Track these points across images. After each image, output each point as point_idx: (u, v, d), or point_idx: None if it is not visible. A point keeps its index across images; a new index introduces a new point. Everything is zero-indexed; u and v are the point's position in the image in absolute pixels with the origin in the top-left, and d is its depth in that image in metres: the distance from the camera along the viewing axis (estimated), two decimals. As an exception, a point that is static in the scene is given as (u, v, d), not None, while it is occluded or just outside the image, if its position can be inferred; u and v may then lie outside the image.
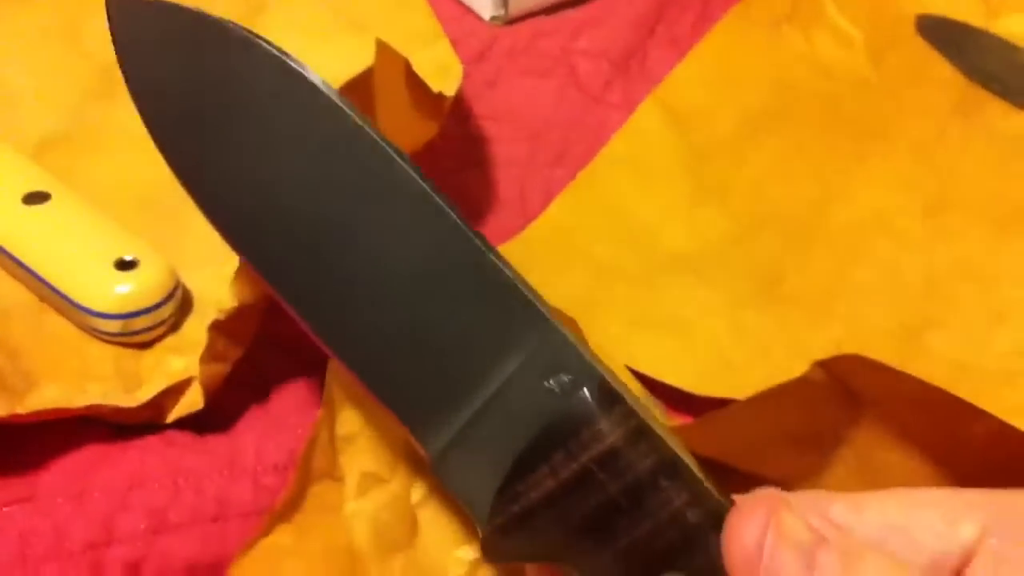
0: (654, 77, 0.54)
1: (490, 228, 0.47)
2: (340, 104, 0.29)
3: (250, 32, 0.30)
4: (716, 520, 0.26)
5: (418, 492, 0.35)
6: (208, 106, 0.31)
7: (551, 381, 0.28)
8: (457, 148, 0.51)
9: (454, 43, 0.46)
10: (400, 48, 0.39)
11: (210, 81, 0.31)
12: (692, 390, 0.40)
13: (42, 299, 0.41)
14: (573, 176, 0.49)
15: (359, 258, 0.30)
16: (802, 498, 0.29)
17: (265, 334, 0.40)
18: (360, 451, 0.34)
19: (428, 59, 0.43)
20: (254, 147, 0.30)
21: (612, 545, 0.27)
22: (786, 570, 0.25)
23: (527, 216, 0.48)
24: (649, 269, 0.44)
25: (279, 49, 0.30)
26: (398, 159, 0.29)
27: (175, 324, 0.41)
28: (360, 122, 0.29)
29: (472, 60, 0.54)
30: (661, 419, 0.36)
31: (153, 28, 0.31)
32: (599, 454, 0.27)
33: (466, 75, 0.46)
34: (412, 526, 0.35)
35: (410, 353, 0.29)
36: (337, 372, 0.34)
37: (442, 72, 0.44)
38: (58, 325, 0.40)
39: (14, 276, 0.41)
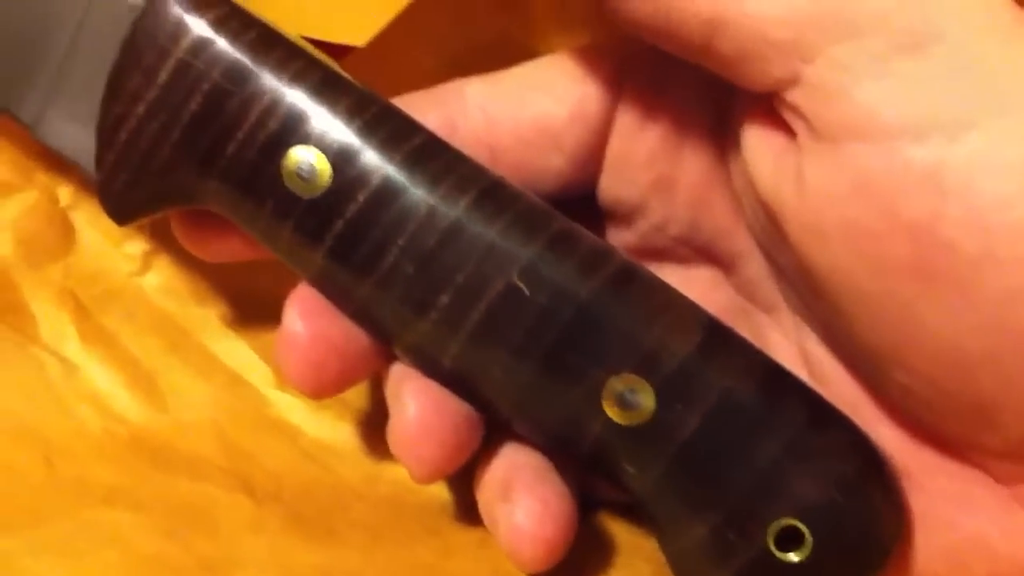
0: None
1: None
2: None
3: None
4: (329, 83, 0.25)
5: (66, 195, 0.32)
6: None
7: None
8: None
9: None
10: None
11: None
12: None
13: None
14: None
15: None
16: (439, 87, 0.27)
17: None
18: (-22, 162, 0.31)
19: None
20: None
21: (229, 143, 0.24)
22: None
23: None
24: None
25: None
26: None
27: None
28: None
29: None
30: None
31: None
32: (191, 43, 0.24)
33: None
34: (66, 231, 0.32)
35: None
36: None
37: None
38: None
39: None
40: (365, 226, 0.24)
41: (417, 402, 0.25)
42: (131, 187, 0.25)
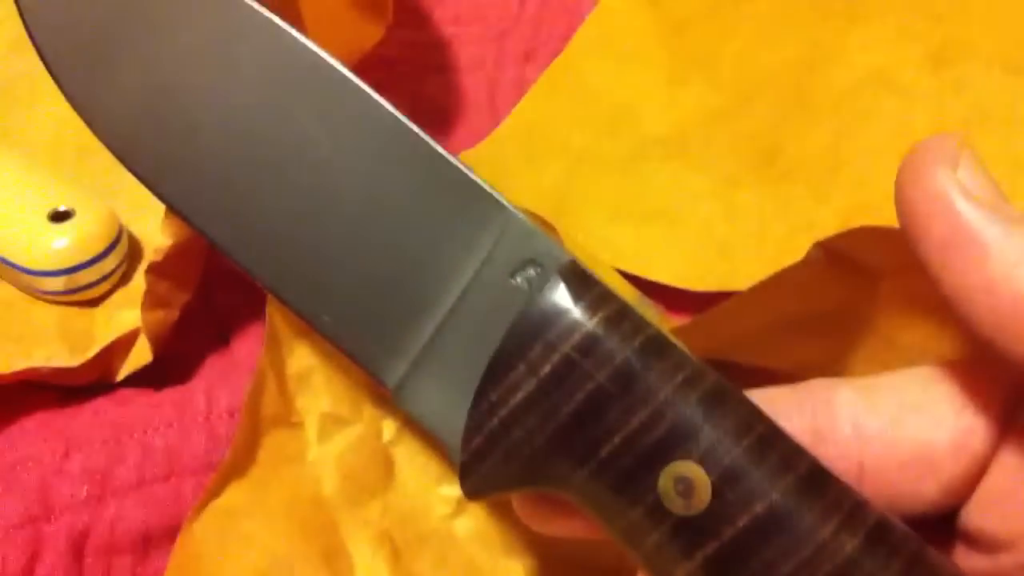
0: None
1: (459, 135, 0.43)
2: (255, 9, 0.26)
3: None
4: (716, 396, 0.24)
5: (390, 429, 0.32)
6: (112, 37, 0.27)
7: (518, 277, 0.25)
8: (418, 55, 0.47)
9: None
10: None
11: (113, 11, 0.27)
12: (687, 286, 0.36)
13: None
14: (546, 73, 0.45)
15: (281, 178, 0.26)
16: (805, 387, 0.26)
17: (219, 273, 0.37)
18: (317, 391, 0.31)
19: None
20: (165, 74, 0.27)
21: (606, 445, 0.23)
22: None
23: (499, 120, 0.44)
24: (630, 156, 0.40)
25: None
26: (326, 60, 0.26)
27: (126, 276, 0.38)
28: (283, 27, 0.26)
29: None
30: (657, 322, 0.33)
31: None
32: (579, 341, 0.24)
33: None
34: (387, 467, 0.32)
35: (354, 280, 0.26)
36: (279, 305, 0.31)
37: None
38: (2, 291, 0.37)
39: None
40: (742, 553, 0.23)
41: None
42: (494, 471, 0.25)
